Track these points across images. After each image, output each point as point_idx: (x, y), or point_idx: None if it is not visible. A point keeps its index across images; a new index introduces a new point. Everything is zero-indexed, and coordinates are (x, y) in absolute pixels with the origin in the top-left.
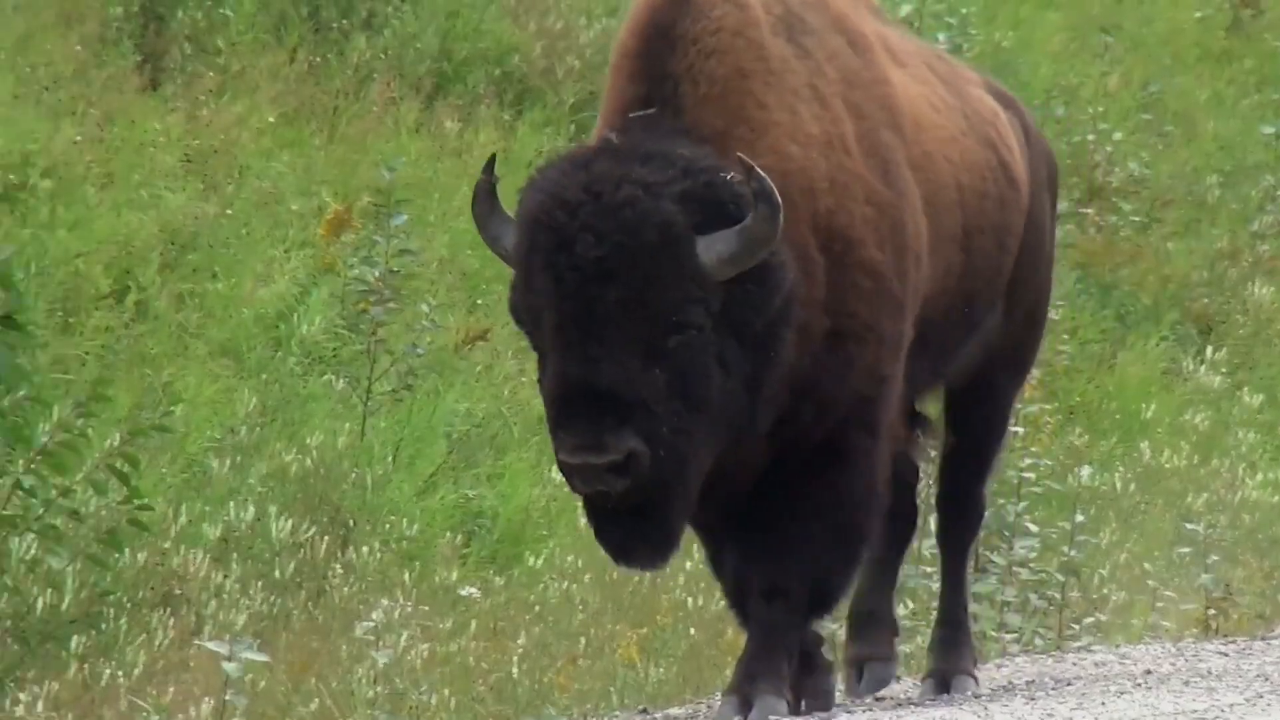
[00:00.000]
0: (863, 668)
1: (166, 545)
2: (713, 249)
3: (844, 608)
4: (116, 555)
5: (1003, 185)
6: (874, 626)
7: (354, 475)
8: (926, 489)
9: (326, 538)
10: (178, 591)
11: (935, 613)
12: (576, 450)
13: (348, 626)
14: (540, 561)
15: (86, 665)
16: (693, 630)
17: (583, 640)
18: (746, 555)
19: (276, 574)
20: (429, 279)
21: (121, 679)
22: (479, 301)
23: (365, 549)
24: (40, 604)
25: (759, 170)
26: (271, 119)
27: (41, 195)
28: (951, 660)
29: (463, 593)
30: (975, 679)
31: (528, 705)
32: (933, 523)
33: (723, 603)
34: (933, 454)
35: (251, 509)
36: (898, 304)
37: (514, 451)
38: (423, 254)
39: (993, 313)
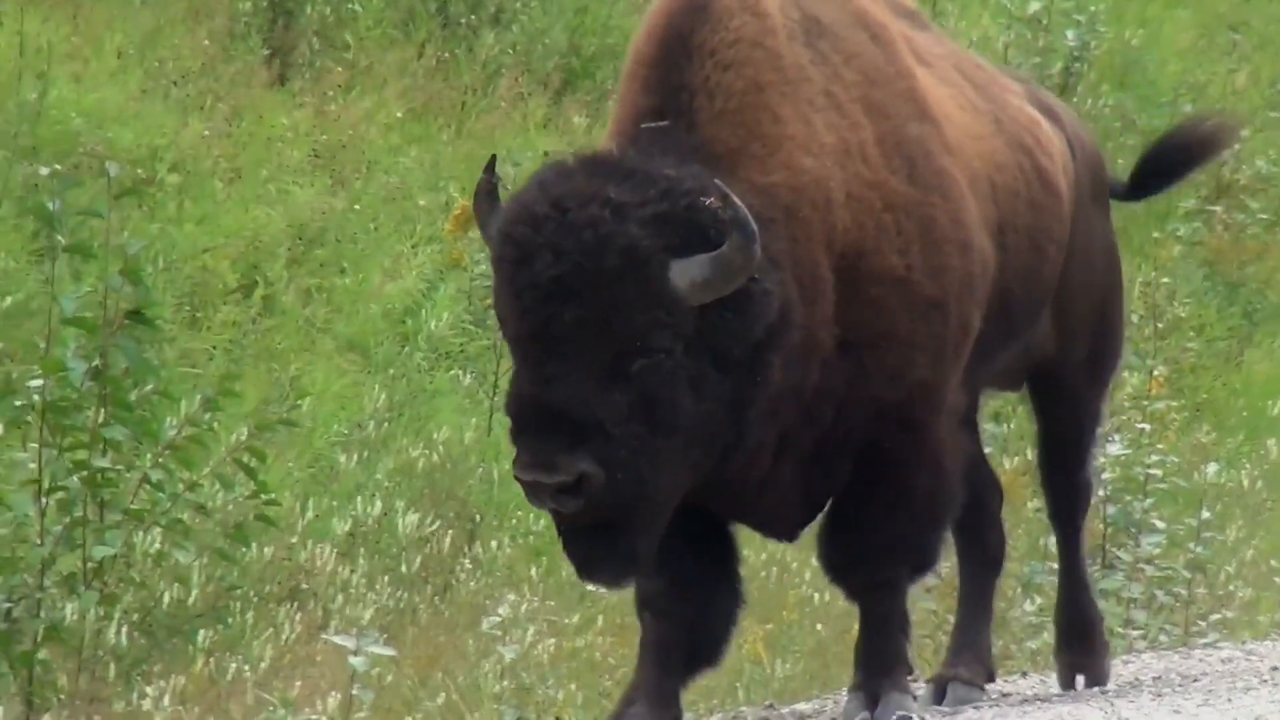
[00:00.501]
0: (946, 687)
1: (293, 540)
2: (687, 274)
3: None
4: (243, 550)
5: (1036, 189)
6: (968, 654)
7: (480, 470)
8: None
9: (453, 532)
10: (304, 586)
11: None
12: (528, 468)
13: (474, 621)
14: None
15: (213, 659)
16: (819, 626)
17: None
18: (843, 559)
19: (403, 569)
20: None
21: (248, 673)
22: None
23: (492, 543)
24: (167, 598)
25: (734, 198)
26: (399, 114)
27: (169, 190)
28: (1083, 653)
29: (589, 587)
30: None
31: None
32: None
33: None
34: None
35: (378, 504)
36: (930, 304)
37: None
38: None
39: (1034, 321)
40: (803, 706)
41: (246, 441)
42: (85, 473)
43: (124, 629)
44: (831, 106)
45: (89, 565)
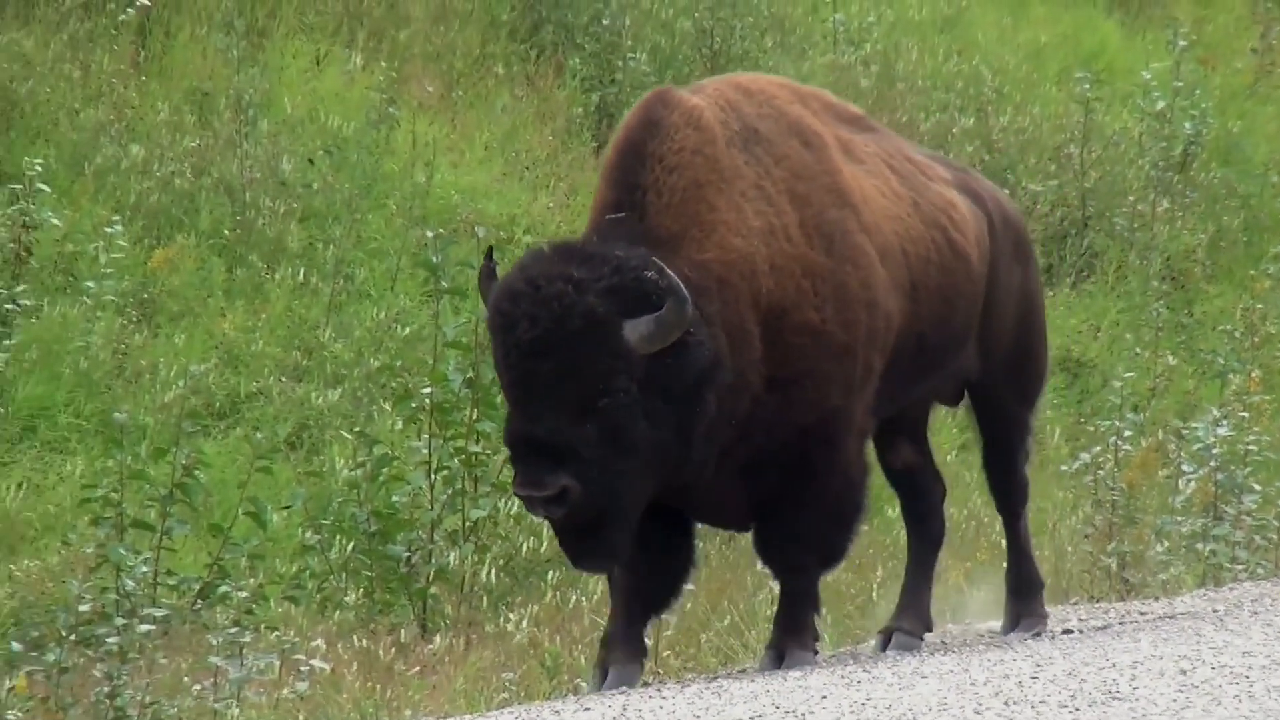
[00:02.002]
0: (892, 635)
1: None
2: (636, 330)
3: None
4: None
5: (946, 256)
6: (911, 613)
7: None
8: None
9: None
10: None
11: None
12: (522, 485)
13: (752, 562)
14: (893, 513)
15: (559, 593)
16: (1004, 564)
17: None
18: (768, 544)
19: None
20: None
21: (585, 603)
22: None
23: None
24: (525, 548)
25: (668, 271)
26: None
27: (523, 248)
28: (1024, 603)
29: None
30: (1044, 619)
31: (883, 621)
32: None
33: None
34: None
35: None
36: (841, 348)
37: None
38: None
39: (955, 356)
40: (993, 624)
41: None
42: (463, 456)
43: (493, 571)
44: (761, 197)
45: (466, 524)
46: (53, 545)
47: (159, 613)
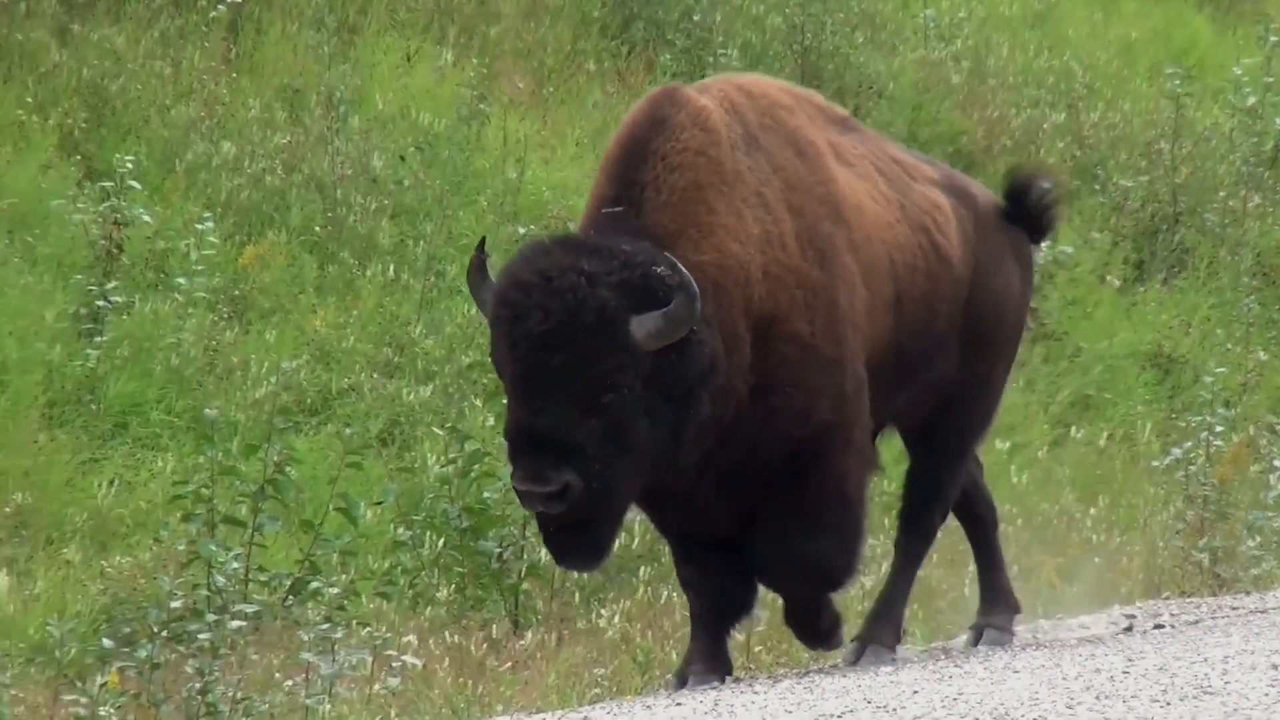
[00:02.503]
0: (983, 631)
1: None
2: (643, 326)
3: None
4: None
5: (933, 262)
6: (992, 602)
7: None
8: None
9: None
10: None
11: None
12: (524, 480)
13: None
14: None
15: (651, 588)
16: (1096, 559)
17: (1015, 567)
18: (764, 567)
19: None
20: None
21: (676, 598)
22: None
23: None
24: (617, 544)
25: (680, 267)
26: None
27: None
28: (873, 631)
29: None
30: (892, 650)
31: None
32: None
33: (1122, 536)
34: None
35: None
36: (829, 362)
37: None
38: None
39: (931, 365)
40: (1084, 618)
41: None
42: None
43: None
44: (760, 204)
45: None
46: (144, 542)
47: (250, 609)
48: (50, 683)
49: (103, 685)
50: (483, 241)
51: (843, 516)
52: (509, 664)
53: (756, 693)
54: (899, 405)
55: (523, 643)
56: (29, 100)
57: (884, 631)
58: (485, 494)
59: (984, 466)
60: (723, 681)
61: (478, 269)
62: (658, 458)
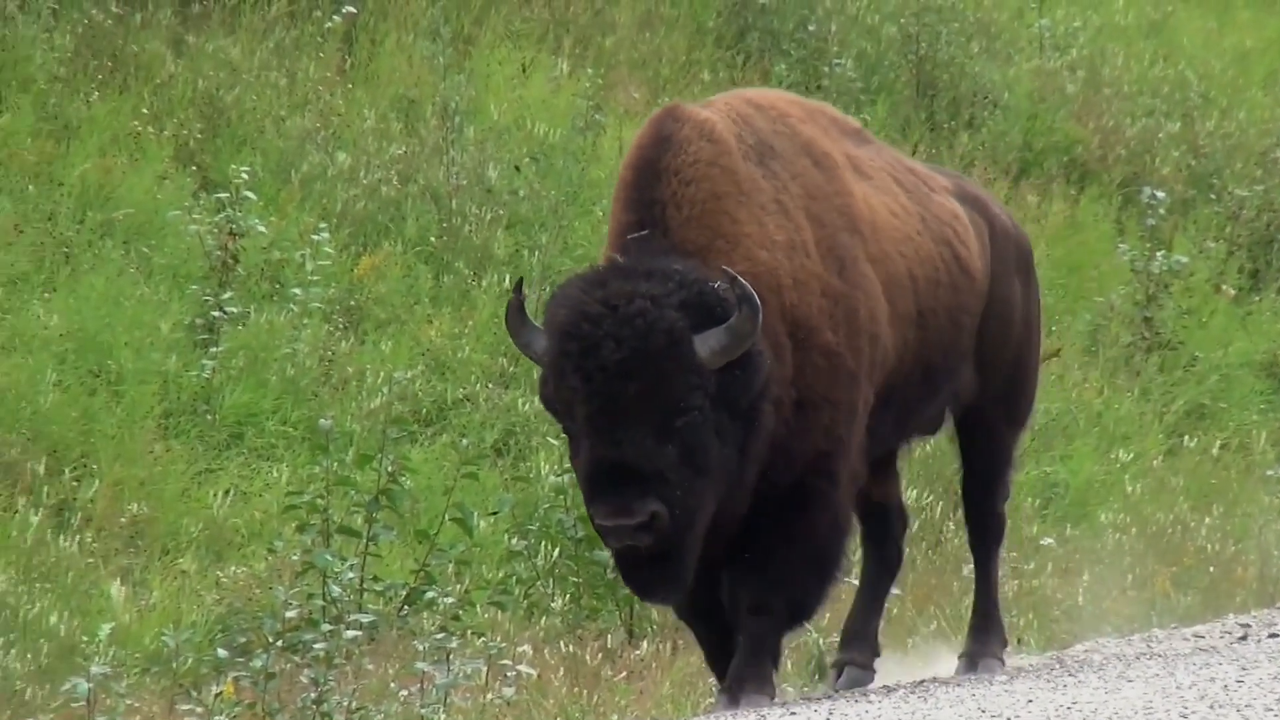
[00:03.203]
0: (844, 669)
1: None
2: (706, 344)
3: (821, 618)
4: None
5: (955, 274)
6: (860, 642)
7: None
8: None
9: (941, 503)
10: None
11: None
12: (610, 515)
13: (958, 568)
14: (1105, 518)
15: None
16: (1211, 568)
17: (1129, 576)
18: (737, 580)
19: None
20: None
21: None
22: (1053, 328)
23: None
24: None
25: (741, 279)
26: None
27: None
28: (983, 644)
29: (1043, 542)
30: (1001, 661)
31: (1089, 625)
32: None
33: (1236, 545)
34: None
35: None
36: (851, 376)
37: (1080, 439)
38: None
39: (955, 379)
40: (1199, 628)
41: None
42: None
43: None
44: (780, 211)
45: None
46: (259, 552)
47: (365, 619)
48: (166, 693)
49: (218, 695)
50: (520, 283)
51: (830, 542)
52: (624, 674)
53: (871, 702)
54: (925, 420)
55: (638, 652)
56: (145, 111)
57: (993, 642)
58: None
59: (908, 520)
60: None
61: (517, 311)
62: (729, 477)
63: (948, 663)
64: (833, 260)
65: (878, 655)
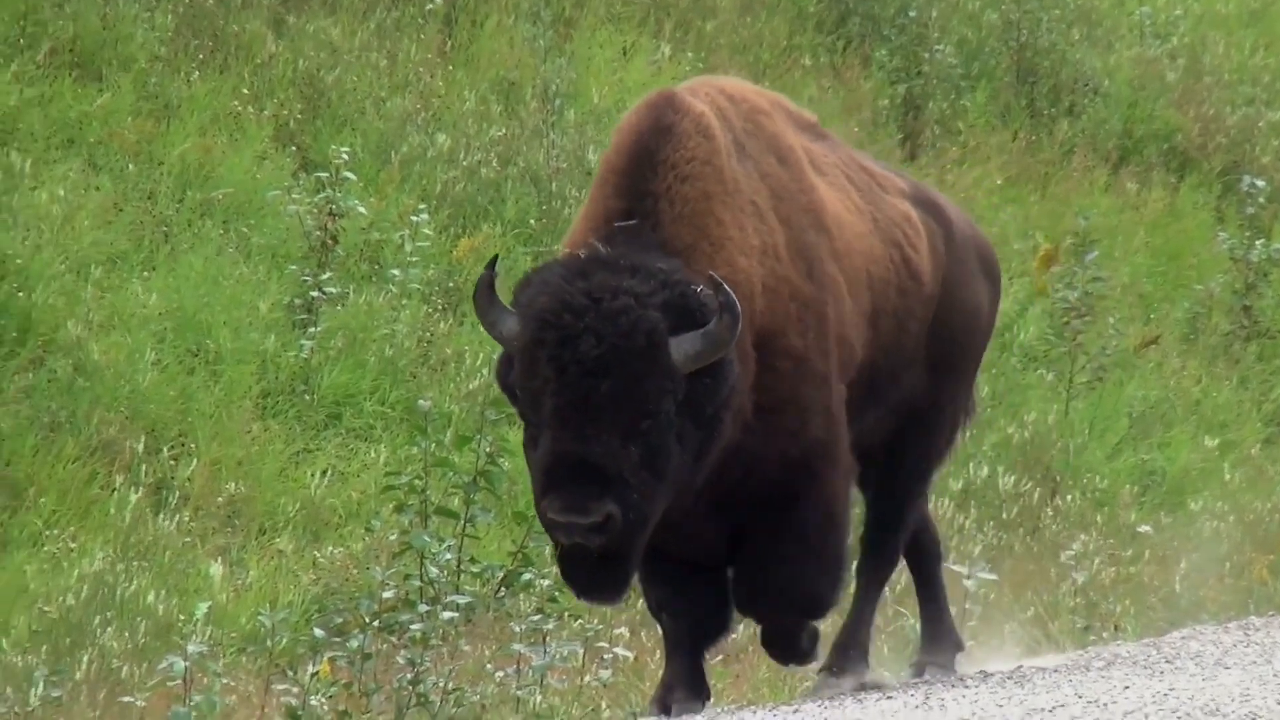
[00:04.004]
0: (924, 669)
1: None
2: (681, 348)
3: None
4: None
5: (904, 277)
6: (933, 636)
7: (1059, 444)
8: None
9: (1039, 489)
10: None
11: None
12: (564, 511)
13: (1054, 554)
14: (1198, 506)
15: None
16: None
17: (1226, 564)
18: (748, 591)
19: (1003, 516)
20: (1115, 299)
21: (888, 592)
22: (1152, 316)
23: (1068, 497)
24: None
25: (726, 286)
26: (999, 182)
27: None
28: (840, 660)
29: (1140, 529)
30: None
31: (1186, 612)
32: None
33: None
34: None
35: (985, 468)
36: (820, 378)
37: (1177, 426)
38: (1110, 280)
39: (899, 383)
40: None
41: None
42: None
43: None
44: (756, 214)
45: None
46: (356, 532)
47: (462, 600)
48: (261, 672)
49: (314, 675)
50: (494, 260)
51: (830, 541)
52: (720, 657)
53: (968, 687)
54: (865, 425)
55: (734, 636)
56: (245, 91)
57: (855, 659)
58: None
59: (930, 496)
60: (703, 707)
61: (487, 289)
62: (680, 483)
63: (1045, 648)
64: (801, 262)
65: (961, 649)
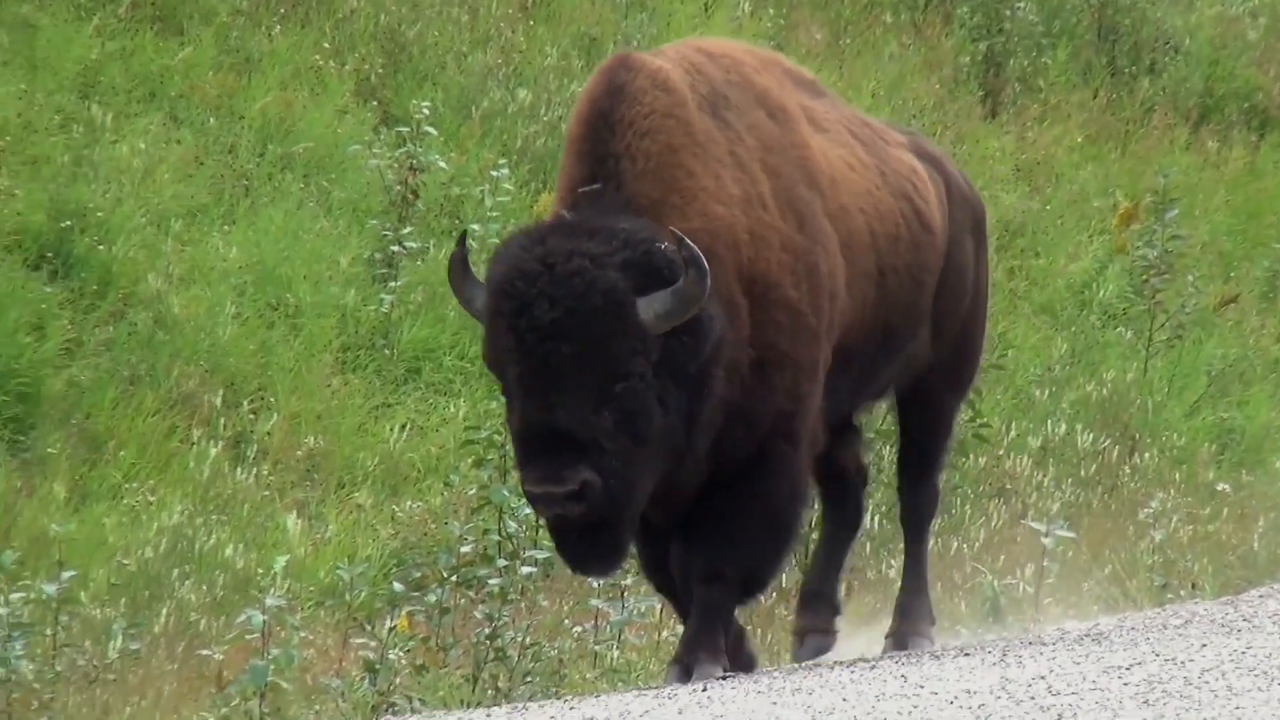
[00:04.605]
0: (804, 637)
1: (1000, 452)
2: (651, 308)
3: (773, 589)
4: (964, 460)
5: (916, 230)
6: (818, 604)
7: (1138, 401)
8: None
9: (1118, 447)
10: (1008, 486)
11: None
12: (539, 482)
13: (1133, 512)
14: (1277, 464)
15: (940, 540)
16: None
17: None
18: (690, 546)
19: (1081, 473)
20: (1194, 257)
21: (966, 549)
22: (1231, 274)
23: (1146, 455)
24: None
25: (688, 241)
26: (1079, 139)
27: None
28: (910, 622)
29: (1218, 488)
30: (931, 639)
31: (1264, 570)
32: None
33: None
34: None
35: (1063, 426)
36: (812, 334)
37: (1257, 385)
38: (1189, 239)
39: (914, 340)
40: None
41: None
42: None
43: (876, 517)
44: (736, 164)
45: None
46: (435, 487)
47: (540, 555)
48: (340, 626)
49: (392, 629)
50: (463, 236)
51: (788, 508)
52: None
53: (1045, 644)
54: (883, 384)
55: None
56: (326, 46)
57: (922, 620)
58: None
59: (867, 479)
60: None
61: (460, 264)
62: (673, 447)
63: (1122, 606)
64: (792, 214)
65: (838, 614)
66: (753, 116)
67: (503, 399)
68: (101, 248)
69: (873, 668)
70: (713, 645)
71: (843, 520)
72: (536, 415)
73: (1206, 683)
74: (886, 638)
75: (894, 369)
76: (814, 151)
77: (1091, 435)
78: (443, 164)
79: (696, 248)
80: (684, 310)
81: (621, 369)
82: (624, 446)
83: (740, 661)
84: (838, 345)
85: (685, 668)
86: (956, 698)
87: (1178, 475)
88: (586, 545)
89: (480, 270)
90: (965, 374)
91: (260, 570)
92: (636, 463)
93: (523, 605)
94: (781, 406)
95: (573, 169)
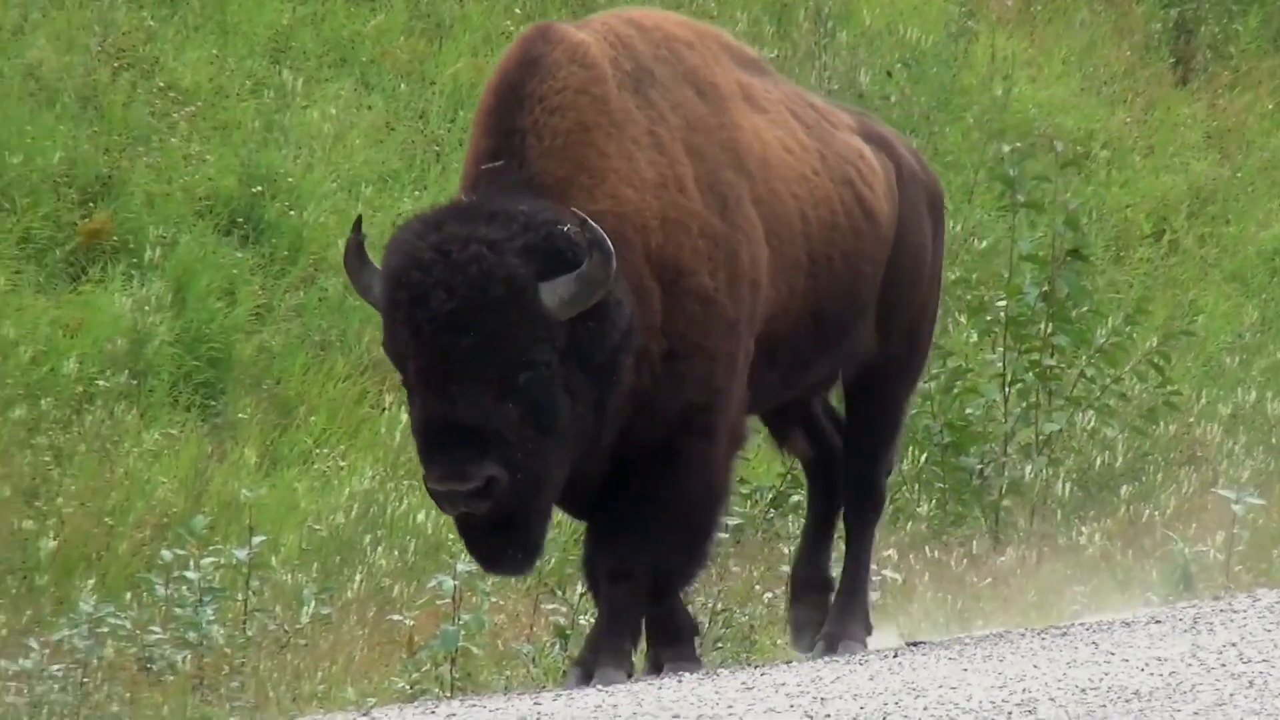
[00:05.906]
0: (803, 630)
1: (1190, 420)
2: (554, 294)
3: (687, 591)
4: (1154, 427)
5: (857, 217)
6: (812, 590)
7: None
8: None
9: None
10: (1199, 454)
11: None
12: (442, 479)
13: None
14: None
15: (1131, 507)
16: None
17: None
18: (599, 543)
19: (1272, 441)
20: None
21: (1157, 516)
22: None
23: None
24: (1098, 462)
25: (592, 222)
26: (1270, 106)
27: (1100, 162)
28: (843, 625)
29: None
30: (863, 644)
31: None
32: None
33: None
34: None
35: (1253, 393)
36: (729, 324)
37: None
38: None
39: (854, 331)
40: None
41: (1157, 347)
42: (1038, 369)
43: (1066, 485)
44: (654, 146)
45: (1039, 438)
46: None
47: (731, 521)
48: (530, 591)
49: (583, 595)
50: (359, 221)
51: (703, 507)
52: (988, 580)
53: (1236, 611)
54: (820, 375)
55: (1003, 559)
56: (517, 11)
57: (856, 623)
58: (967, 410)
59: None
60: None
61: (356, 251)
62: (581, 438)
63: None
64: (714, 198)
65: (832, 591)
66: (679, 94)
67: (405, 391)
68: (292, 213)
69: (1064, 634)
70: (616, 648)
71: (826, 500)
72: (438, 409)
73: None
74: (818, 638)
75: (830, 360)
76: (745, 132)
77: None
78: None
79: (601, 230)
80: (589, 295)
81: (525, 358)
82: (531, 439)
83: (678, 659)
84: (762, 335)
85: (586, 671)
86: (1147, 664)
87: None
88: (497, 543)
89: (377, 256)
90: (915, 365)
91: (451, 536)
92: (544, 455)
93: (713, 571)
94: (692, 399)
95: (478, 143)
